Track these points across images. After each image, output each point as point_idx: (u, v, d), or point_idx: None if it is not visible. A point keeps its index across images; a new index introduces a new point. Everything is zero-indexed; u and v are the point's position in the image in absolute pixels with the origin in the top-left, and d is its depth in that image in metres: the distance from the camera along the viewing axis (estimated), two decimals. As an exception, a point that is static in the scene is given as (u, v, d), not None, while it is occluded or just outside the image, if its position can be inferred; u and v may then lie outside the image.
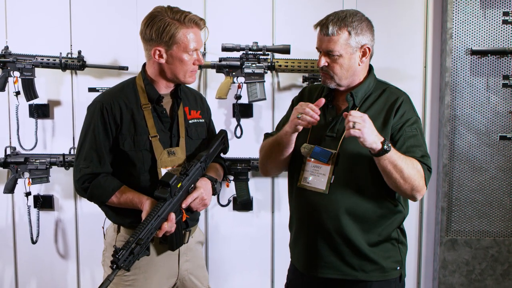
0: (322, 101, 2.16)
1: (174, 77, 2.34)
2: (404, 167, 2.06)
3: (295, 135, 2.22)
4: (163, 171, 2.31)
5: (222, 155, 2.64)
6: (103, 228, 2.53)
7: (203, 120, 2.53)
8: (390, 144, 2.04)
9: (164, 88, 2.39)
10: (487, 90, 3.32)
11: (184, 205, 2.29)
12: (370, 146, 2.02)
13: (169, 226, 2.20)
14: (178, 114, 2.41)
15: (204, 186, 2.36)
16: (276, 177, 3.58)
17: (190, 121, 2.46)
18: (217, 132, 2.62)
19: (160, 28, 2.25)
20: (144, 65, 2.42)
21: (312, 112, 2.10)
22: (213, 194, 2.44)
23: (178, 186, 2.23)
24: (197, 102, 2.55)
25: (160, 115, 2.37)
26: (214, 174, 2.48)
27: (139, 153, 2.32)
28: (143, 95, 2.36)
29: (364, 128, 2.00)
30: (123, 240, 2.29)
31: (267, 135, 2.49)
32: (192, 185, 2.32)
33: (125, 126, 2.32)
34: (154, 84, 2.37)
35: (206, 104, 2.62)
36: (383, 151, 2.03)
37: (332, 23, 2.16)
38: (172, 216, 2.21)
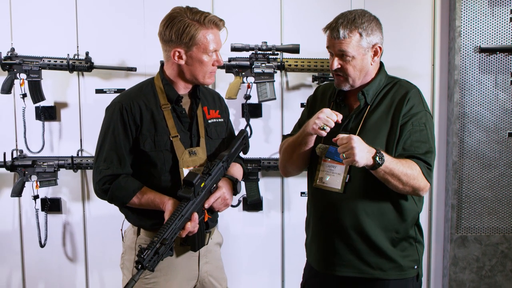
0: (340, 116, 2.17)
1: (193, 78, 2.32)
2: (402, 174, 2.07)
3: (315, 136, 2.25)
4: (185, 171, 2.30)
5: (242, 155, 2.62)
6: (121, 230, 2.51)
7: (222, 120, 2.51)
8: (383, 155, 2.04)
9: (183, 89, 2.37)
10: (495, 88, 3.34)
11: (206, 205, 2.27)
12: (364, 165, 2.05)
13: (193, 226, 2.19)
14: (197, 114, 2.40)
15: (225, 186, 2.36)
16: (286, 177, 3.57)
17: (209, 121, 2.44)
18: (236, 131, 2.61)
19: (180, 29, 2.23)
20: (162, 65, 2.40)
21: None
22: (234, 194, 2.43)
23: (202, 185, 2.22)
24: (215, 102, 2.53)
25: (180, 115, 2.35)
26: (235, 174, 2.47)
27: (159, 153, 2.30)
28: (162, 95, 2.34)
29: (355, 156, 2.00)
30: (143, 243, 2.27)
31: (285, 137, 2.49)
32: (214, 185, 2.31)
33: (145, 127, 2.30)
34: (173, 85, 2.35)
35: (224, 103, 2.61)
36: (377, 165, 2.04)
37: (343, 26, 2.15)
38: (196, 216, 2.19)
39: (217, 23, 2.29)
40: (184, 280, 2.42)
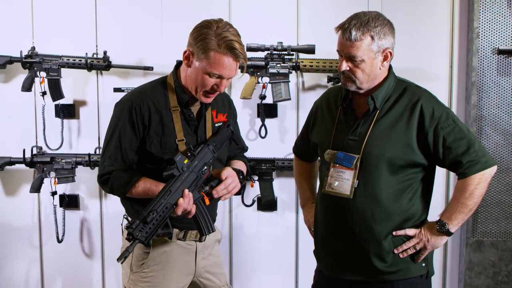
0: None
1: (188, 86, 2.31)
2: (469, 207, 2.21)
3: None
4: None
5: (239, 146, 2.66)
6: (121, 225, 2.52)
7: None
8: (444, 223, 2.22)
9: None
10: (514, 90, 3.29)
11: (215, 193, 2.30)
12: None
13: (186, 202, 2.17)
14: (205, 117, 2.41)
15: (231, 174, 2.35)
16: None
17: (216, 124, 2.46)
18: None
19: (200, 37, 2.20)
20: (176, 66, 2.40)
21: None
22: (241, 183, 2.44)
23: (185, 162, 2.22)
24: (225, 105, 2.54)
25: (187, 118, 2.36)
26: (239, 167, 2.48)
27: (165, 155, 2.31)
28: (173, 97, 2.34)
29: (426, 250, 2.24)
30: None
31: (296, 144, 2.68)
32: (205, 168, 2.30)
33: (152, 128, 2.31)
34: (184, 88, 2.35)
35: (233, 106, 2.62)
36: (449, 233, 2.23)
37: (355, 28, 2.11)
38: (187, 192, 2.18)
39: (236, 53, 2.20)
40: (182, 275, 2.46)
